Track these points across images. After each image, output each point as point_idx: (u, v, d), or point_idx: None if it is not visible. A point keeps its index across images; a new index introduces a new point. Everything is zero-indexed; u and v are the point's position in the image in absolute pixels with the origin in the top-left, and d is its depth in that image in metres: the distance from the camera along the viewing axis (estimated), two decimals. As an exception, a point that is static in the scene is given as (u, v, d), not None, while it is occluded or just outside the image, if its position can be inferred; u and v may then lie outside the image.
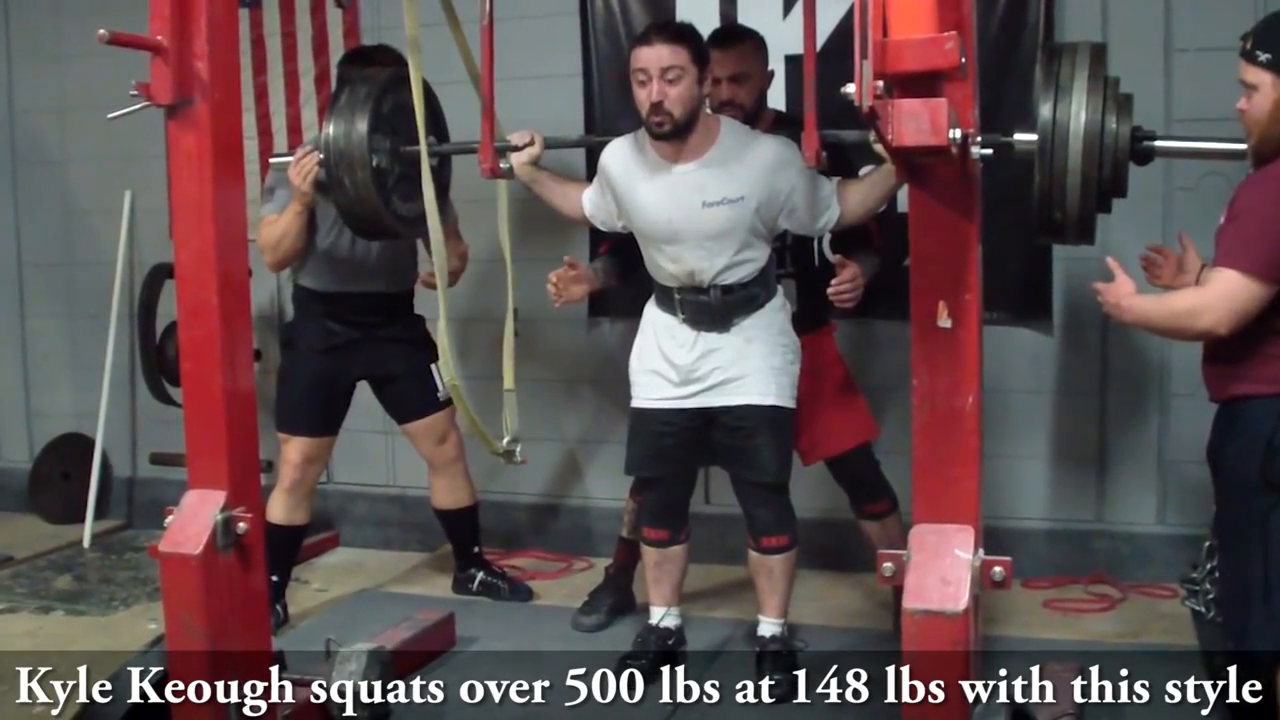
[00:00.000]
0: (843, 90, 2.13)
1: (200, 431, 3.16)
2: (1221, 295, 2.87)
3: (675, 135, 3.70)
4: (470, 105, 3.87)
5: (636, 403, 4.03)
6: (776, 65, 4.73)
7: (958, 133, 2.19)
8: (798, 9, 4.49)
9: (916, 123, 2.14)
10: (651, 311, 3.99)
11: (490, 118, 3.82)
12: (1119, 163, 2.93)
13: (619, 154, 3.89)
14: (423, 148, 3.63)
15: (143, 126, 3.38)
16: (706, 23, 4.94)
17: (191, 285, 3.13)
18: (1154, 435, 4.80)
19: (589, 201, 4.01)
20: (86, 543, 5.79)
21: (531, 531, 5.53)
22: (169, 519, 3.12)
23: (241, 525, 3.11)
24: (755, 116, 4.10)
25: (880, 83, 2.11)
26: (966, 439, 2.68)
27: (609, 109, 5.18)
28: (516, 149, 3.91)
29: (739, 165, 3.73)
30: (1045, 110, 2.85)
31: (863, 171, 3.92)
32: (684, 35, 3.72)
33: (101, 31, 2.83)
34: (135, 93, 2.99)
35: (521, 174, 3.95)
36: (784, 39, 4.75)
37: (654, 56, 3.65)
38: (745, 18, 4.91)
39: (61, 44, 6.00)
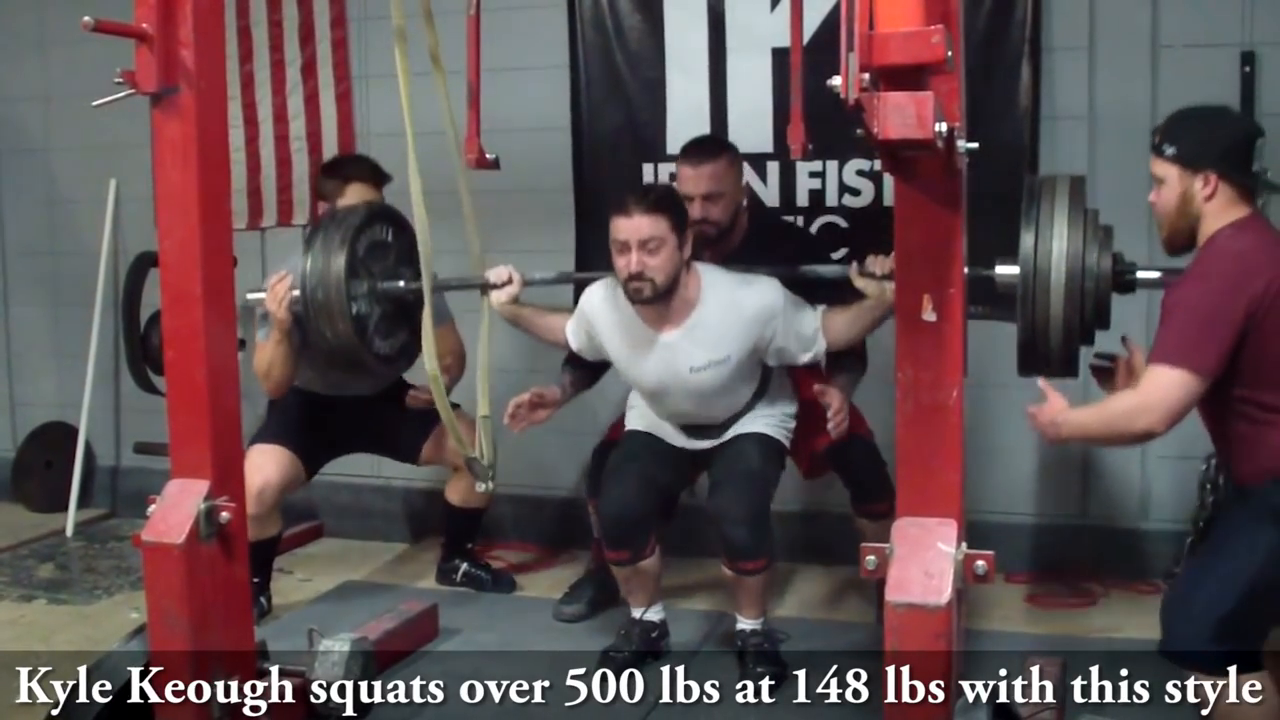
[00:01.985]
0: (828, 83, 2.13)
1: (183, 420, 3.15)
2: (1156, 393, 2.84)
3: (655, 300, 3.73)
4: (455, 97, 3.86)
5: (631, 425, 4.08)
6: (763, 59, 4.75)
7: (943, 126, 2.18)
8: (785, 1, 4.48)
9: (902, 116, 2.13)
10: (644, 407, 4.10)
11: (476, 107, 3.81)
12: (1101, 298, 3.00)
13: (600, 309, 3.94)
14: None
15: (127, 115, 3.37)
16: (695, 15, 4.97)
17: (175, 274, 3.11)
18: (1138, 431, 4.80)
19: (572, 336, 4.06)
20: (69, 532, 5.78)
21: (515, 523, 5.52)
22: (152, 508, 3.11)
23: (224, 515, 3.10)
24: (730, 229, 4.12)
25: (866, 75, 2.10)
26: (950, 433, 2.68)
27: (595, 100, 5.18)
28: (496, 287, 3.92)
29: (722, 327, 3.78)
30: (1026, 246, 2.91)
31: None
32: (662, 204, 3.72)
33: (86, 19, 2.80)
34: (120, 81, 2.97)
35: (503, 313, 3.98)
36: (771, 32, 4.76)
37: (632, 228, 3.66)
38: (732, 10, 4.92)
39: (45, 31, 5.98)
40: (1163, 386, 2.83)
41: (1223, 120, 3.09)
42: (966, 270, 2.69)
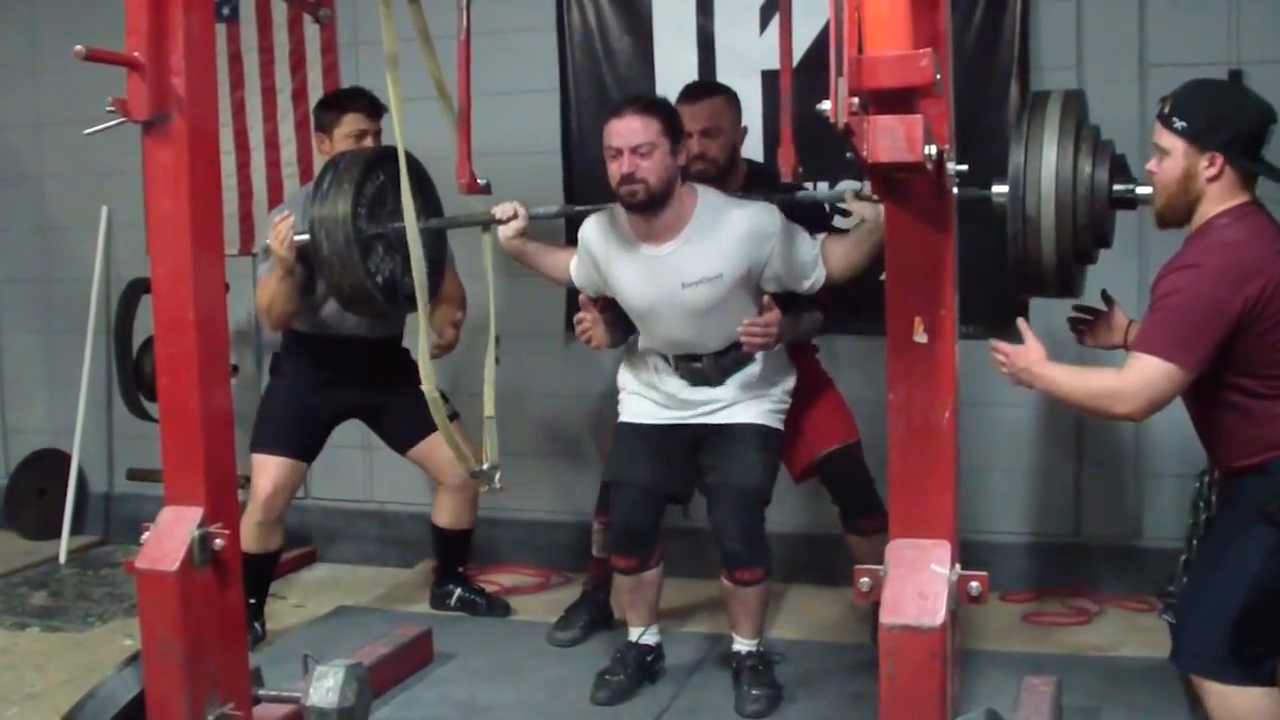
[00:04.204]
0: (818, 107, 2.14)
1: (177, 447, 3.15)
2: (1138, 382, 2.86)
3: (649, 207, 3.71)
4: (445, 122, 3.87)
5: (624, 418, 4.06)
6: (753, 81, 4.76)
7: (933, 149, 2.19)
8: (775, 24, 4.50)
9: (892, 139, 2.14)
10: (645, 351, 4.03)
11: (467, 131, 3.82)
12: (1097, 212, 2.94)
13: (597, 232, 3.93)
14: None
15: (120, 141, 3.37)
16: (684, 38, 4.99)
17: (168, 301, 3.11)
18: (1131, 448, 4.82)
19: (575, 272, 4.06)
20: (63, 559, 5.76)
21: (510, 547, 5.51)
22: (145, 535, 3.11)
23: (218, 541, 3.10)
24: (728, 171, 4.12)
25: (855, 99, 2.11)
26: (943, 453, 2.68)
27: (586, 123, 5.19)
28: (501, 222, 3.95)
29: (715, 242, 3.75)
30: (1015, 160, 2.87)
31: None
32: (655, 107, 3.74)
33: (78, 48, 2.81)
34: (111, 109, 2.98)
35: (508, 248, 4.00)
36: (761, 54, 4.78)
37: (625, 130, 3.66)
38: (722, 33, 4.94)
39: (37, 58, 5.99)
40: (1147, 377, 2.84)
41: (1238, 100, 3.01)
42: (957, 191, 2.65)
